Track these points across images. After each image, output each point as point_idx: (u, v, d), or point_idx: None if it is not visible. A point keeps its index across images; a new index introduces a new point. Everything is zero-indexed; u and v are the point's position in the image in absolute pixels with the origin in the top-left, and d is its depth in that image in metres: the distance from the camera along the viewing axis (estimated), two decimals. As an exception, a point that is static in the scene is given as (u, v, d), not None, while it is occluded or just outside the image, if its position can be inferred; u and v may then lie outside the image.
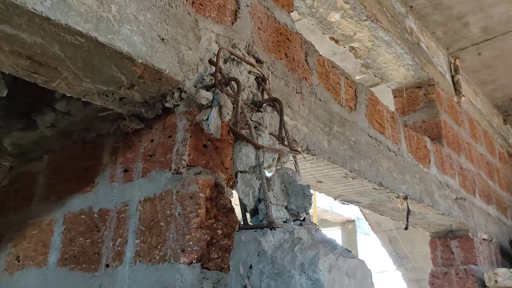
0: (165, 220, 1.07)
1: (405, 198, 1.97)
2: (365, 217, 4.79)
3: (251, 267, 0.96)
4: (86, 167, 1.38)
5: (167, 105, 1.16)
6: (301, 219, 1.11)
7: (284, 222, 1.05)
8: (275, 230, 0.98)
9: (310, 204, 1.06)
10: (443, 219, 2.44)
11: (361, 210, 4.85)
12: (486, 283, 2.41)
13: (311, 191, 1.06)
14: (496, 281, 2.33)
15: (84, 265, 1.19)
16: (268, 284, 0.93)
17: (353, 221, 6.60)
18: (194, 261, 1.02)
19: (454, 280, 2.54)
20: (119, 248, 1.14)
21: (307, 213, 1.11)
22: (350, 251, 1.05)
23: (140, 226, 1.11)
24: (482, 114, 3.50)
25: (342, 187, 1.87)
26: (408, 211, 2.02)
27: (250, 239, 0.98)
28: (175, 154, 1.12)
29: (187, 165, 1.10)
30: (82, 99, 1.16)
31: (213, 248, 1.08)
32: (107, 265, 1.14)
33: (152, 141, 1.20)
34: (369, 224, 4.80)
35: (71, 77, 1.05)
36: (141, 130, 1.24)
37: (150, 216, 1.10)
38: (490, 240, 2.83)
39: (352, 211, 6.02)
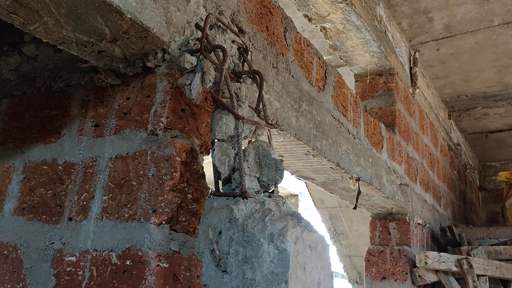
0: (137, 180, 1.06)
1: (358, 179, 2.07)
2: (309, 193, 4.97)
3: (220, 232, 0.99)
4: (51, 117, 1.33)
5: (148, 64, 1.13)
6: (270, 191, 1.15)
7: (255, 192, 1.08)
8: (247, 199, 1.02)
9: (281, 178, 1.10)
10: (387, 202, 2.59)
11: (306, 186, 5.01)
12: (416, 264, 2.61)
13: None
14: (426, 262, 2.53)
15: (44, 216, 1.17)
16: (237, 250, 0.96)
17: (296, 195, 6.82)
18: (163, 222, 1.03)
19: (388, 259, 2.73)
20: (84, 203, 1.13)
21: (276, 187, 1.16)
22: (313, 226, 1.11)
23: (110, 183, 1.10)
24: (431, 107, 3.69)
25: (301, 163, 1.93)
26: (359, 192, 2.13)
27: (222, 206, 1.01)
28: (153, 115, 1.11)
29: (164, 127, 1.09)
30: (58, 47, 1.11)
31: (182, 212, 1.09)
32: (70, 219, 1.13)
33: (128, 98, 1.18)
34: (313, 200, 4.99)
35: (52, 23, 1.00)
36: (117, 86, 1.21)
37: (121, 174, 1.09)
38: (424, 225, 3.05)
39: (296, 186, 6.21)
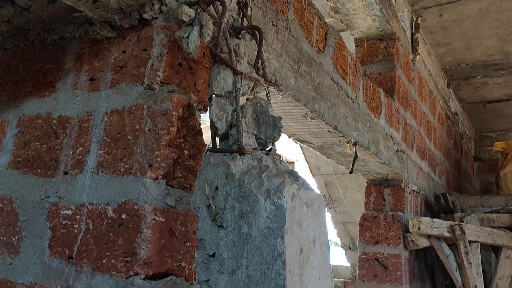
0: (133, 134, 1.05)
1: (355, 144, 2.06)
2: (306, 160, 4.99)
3: (217, 188, 0.99)
4: (44, 70, 1.30)
5: (144, 16, 1.10)
6: (267, 149, 1.14)
7: (252, 149, 1.07)
8: (244, 155, 1.01)
9: (279, 136, 1.09)
10: (382, 168, 2.60)
11: (302, 153, 5.02)
12: (409, 229, 2.65)
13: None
14: (419, 228, 2.57)
15: (39, 170, 1.16)
16: (233, 205, 0.96)
17: (293, 162, 6.84)
18: (160, 177, 1.03)
19: (382, 224, 2.76)
20: (80, 157, 1.11)
21: (274, 144, 1.15)
22: (309, 184, 1.11)
23: (105, 138, 1.09)
24: (431, 75, 3.66)
25: (299, 126, 1.91)
26: (355, 157, 2.13)
27: (219, 162, 1.00)
28: (149, 68, 1.08)
29: (161, 82, 1.07)
30: (51, -5, 1.07)
31: (178, 167, 1.09)
32: (66, 173, 1.12)
33: (124, 52, 1.15)
34: (309, 167, 5.01)
35: (44, -32, 0.96)
36: (112, 39, 1.18)
37: (117, 129, 1.08)
38: (418, 192, 3.07)
39: (293, 153, 6.22)
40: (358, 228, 2.85)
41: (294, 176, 1.07)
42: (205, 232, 0.98)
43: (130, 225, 0.99)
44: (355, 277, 6.07)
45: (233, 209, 0.96)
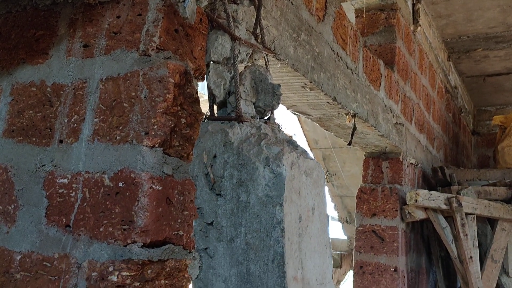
0: (129, 102, 1.03)
1: (354, 115, 2.04)
2: (304, 134, 4.97)
3: (215, 156, 0.97)
4: (37, 37, 1.26)
5: (139, -22, 1.06)
6: (266, 117, 1.12)
7: (251, 117, 1.05)
8: (242, 123, 0.99)
9: (278, 104, 1.07)
10: (381, 141, 2.59)
11: (301, 127, 5.00)
12: (407, 201, 2.66)
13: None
14: (416, 200, 2.58)
15: (34, 139, 1.14)
16: (231, 173, 0.95)
17: (290, 136, 6.84)
18: (156, 145, 1.01)
19: (379, 196, 2.77)
20: (75, 125, 1.09)
21: (273, 113, 1.13)
22: (308, 153, 1.10)
23: (100, 105, 1.07)
24: (431, 47, 3.61)
25: (297, 97, 1.89)
26: (354, 128, 2.12)
27: (217, 130, 0.99)
28: (145, 34, 1.05)
29: (157, 48, 1.04)
30: (42, -43, 1.03)
31: (175, 136, 1.07)
32: (61, 141, 1.10)
33: (118, 17, 1.11)
34: (307, 141, 5.00)
35: None
36: (106, 4, 1.14)
37: (112, 96, 1.06)
38: (416, 165, 3.08)
39: (290, 127, 6.21)
40: (356, 200, 2.86)
41: (293, 144, 1.05)
42: (204, 200, 0.97)
43: (127, 194, 0.98)
44: (352, 249, 6.15)
45: (232, 177, 0.94)
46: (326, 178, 5.20)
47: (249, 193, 0.92)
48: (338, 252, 6.21)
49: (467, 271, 2.63)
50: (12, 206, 1.11)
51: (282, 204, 0.90)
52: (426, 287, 3.18)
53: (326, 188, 5.36)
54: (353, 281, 2.78)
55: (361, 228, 2.81)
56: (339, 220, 6.10)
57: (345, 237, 6.15)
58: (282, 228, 0.89)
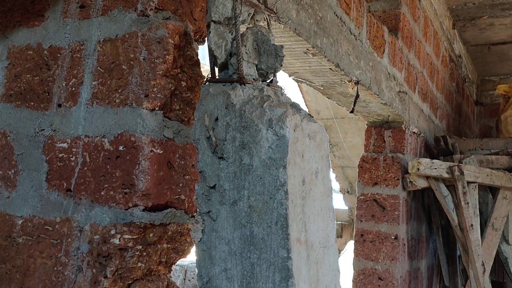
0: (128, 64, 1.00)
1: (357, 83, 2.01)
2: (305, 104, 4.93)
3: (217, 119, 0.95)
4: (32, -1, 1.22)
5: None
6: (269, 81, 1.10)
7: (253, 79, 1.03)
8: (245, 85, 0.97)
9: (281, 65, 1.04)
10: (384, 109, 2.56)
11: (302, 97, 4.96)
12: (408, 170, 2.65)
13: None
14: (418, 168, 2.57)
15: (32, 103, 1.12)
16: (234, 136, 0.93)
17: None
18: (156, 108, 0.99)
19: (381, 166, 2.76)
20: (73, 88, 1.07)
21: (275, 76, 1.10)
22: (312, 116, 1.08)
23: (99, 68, 1.04)
24: (436, 15, 3.53)
25: (300, 63, 1.85)
26: (357, 96, 2.09)
27: (218, 92, 0.96)
28: (143, -7, 1.01)
29: (156, 8, 1.01)
30: None
31: (175, 99, 1.05)
32: (59, 105, 1.08)
33: (115, -25, 1.07)
34: (308, 111, 4.96)
35: None
36: (102, -38, 1.10)
37: (110, 58, 1.03)
38: (419, 134, 3.06)
39: (292, 98, 6.16)
40: (357, 170, 2.85)
41: (296, 107, 1.03)
42: (206, 164, 0.96)
43: (128, 157, 0.96)
44: (352, 219, 6.20)
45: (234, 139, 0.93)
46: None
47: (252, 155, 0.90)
48: (339, 222, 6.26)
49: (467, 238, 2.65)
50: (12, 171, 1.10)
51: (286, 167, 0.88)
52: (426, 255, 3.22)
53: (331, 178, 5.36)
54: (354, 249, 2.81)
55: (363, 197, 2.81)
56: (340, 191, 6.13)
57: (346, 208, 6.20)
58: (286, 190, 0.88)
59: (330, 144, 5.09)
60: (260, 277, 0.88)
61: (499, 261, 3.06)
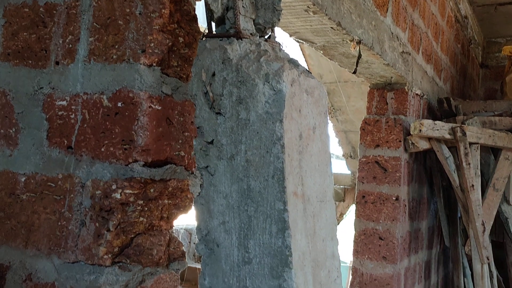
0: (124, 19, 0.99)
1: (359, 42, 1.98)
2: (308, 68, 4.88)
3: (214, 74, 0.95)
4: (26, -45, 1.20)
5: None
6: (267, 36, 1.09)
7: (250, 34, 1.02)
8: (241, 40, 0.96)
9: (279, 20, 1.03)
10: (386, 71, 2.54)
11: (305, 61, 4.91)
12: (411, 132, 2.65)
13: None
14: (420, 130, 2.57)
15: (30, 61, 1.12)
16: (231, 91, 0.93)
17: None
18: (154, 64, 0.99)
19: (383, 128, 2.76)
20: (70, 45, 1.07)
21: (273, 31, 1.09)
22: (310, 72, 1.07)
23: (95, 24, 1.03)
24: (443, -27, 3.44)
25: (300, 23, 1.83)
26: (359, 56, 2.07)
27: (215, 47, 0.96)
28: None
29: (150, -40, 0.99)
30: None
31: (173, 56, 1.04)
32: (57, 63, 1.08)
33: None
34: (311, 75, 4.92)
35: None
36: None
37: (106, 14, 1.02)
38: (422, 96, 3.04)
39: (292, 55, 6.09)
40: (360, 132, 2.86)
41: (294, 63, 1.03)
42: (203, 119, 0.96)
43: (126, 113, 0.97)
44: (355, 184, 6.26)
45: (231, 94, 0.93)
46: (330, 113, 5.18)
47: (248, 110, 0.91)
48: (341, 186, 6.32)
49: (468, 199, 2.67)
50: (13, 130, 1.11)
51: (282, 121, 0.89)
52: (426, 216, 3.26)
53: (330, 124, 5.35)
54: (355, 210, 2.85)
55: (364, 159, 2.83)
56: (343, 156, 6.15)
57: (349, 172, 6.24)
58: (282, 144, 0.88)
59: (333, 108, 5.08)
60: (257, 229, 0.90)
61: (499, 221, 3.10)
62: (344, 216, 6.41)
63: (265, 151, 0.89)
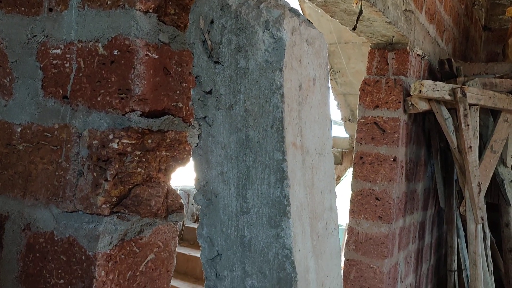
0: (119, -38, 0.95)
1: (361, -3, 1.93)
2: (308, 28, 4.80)
3: (212, 21, 0.92)
4: None
5: None
6: (267, -17, 1.05)
7: (250, -20, 0.98)
8: (241, -15, 0.92)
9: (280, -34, 0.99)
10: (388, 29, 2.49)
11: (305, 21, 4.81)
12: (411, 92, 2.63)
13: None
14: (420, 90, 2.54)
15: (22, 8, 1.09)
16: (229, 39, 0.91)
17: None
18: (150, 10, 0.96)
19: (383, 88, 2.74)
20: (64, -8, 1.03)
21: (274, -22, 1.05)
22: (311, 22, 1.04)
23: (89, -32, 0.99)
24: None
25: (301, -25, 1.77)
26: (361, 12, 2.02)
27: (213, -8, 0.92)
28: None
29: None
30: None
31: (170, 3, 1.01)
32: (50, 9, 1.04)
33: None
34: (311, 36, 4.83)
35: None
36: None
37: (100, -43, 0.98)
38: (423, 57, 2.99)
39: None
40: (359, 93, 2.83)
41: (295, 12, 0.99)
42: (201, 68, 0.94)
43: (123, 61, 0.95)
44: (353, 147, 6.27)
45: (230, 42, 0.90)
46: (330, 75, 5.13)
47: (248, 58, 0.89)
48: (339, 149, 6.34)
49: (466, 160, 2.68)
50: (8, 79, 1.09)
51: (282, 70, 0.87)
52: (423, 178, 3.28)
53: (329, 86, 5.31)
54: (353, 171, 2.86)
55: (363, 120, 2.82)
56: (341, 119, 6.14)
57: (347, 136, 6.25)
58: (282, 93, 0.87)
59: (333, 70, 5.02)
60: (256, 179, 0.90)
61: (495, 183, 3.12)
62: (341, 179, 6.46)
63: (264, 101, 0.88)
